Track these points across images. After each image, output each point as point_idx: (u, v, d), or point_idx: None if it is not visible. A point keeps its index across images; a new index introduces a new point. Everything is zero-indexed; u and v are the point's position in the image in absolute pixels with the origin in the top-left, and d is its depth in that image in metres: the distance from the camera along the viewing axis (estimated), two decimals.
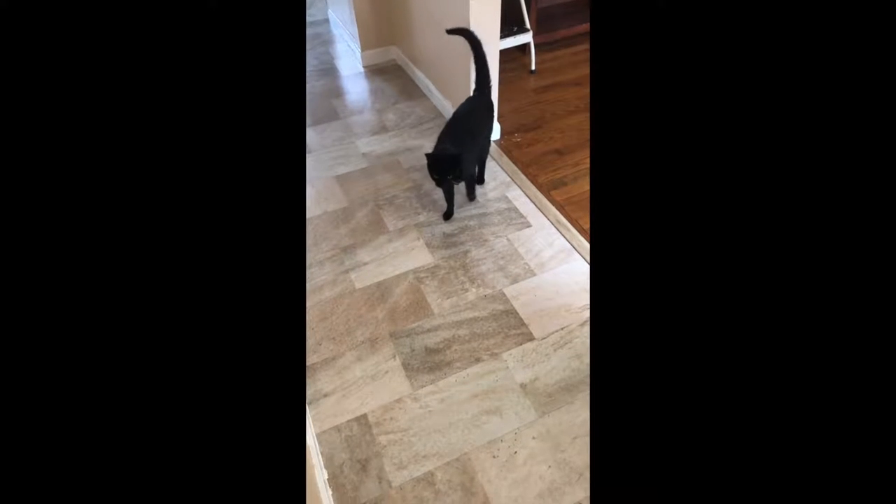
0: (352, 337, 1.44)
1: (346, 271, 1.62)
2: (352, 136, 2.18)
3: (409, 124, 2.22)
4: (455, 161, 1.58)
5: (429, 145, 2.08)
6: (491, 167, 1.96)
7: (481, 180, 1.89)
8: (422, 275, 1.60)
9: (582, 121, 2.17)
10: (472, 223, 1.75)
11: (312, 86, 2.53)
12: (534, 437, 1.21)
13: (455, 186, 1.74)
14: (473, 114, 1.76)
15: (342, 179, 1.96)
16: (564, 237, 1.69)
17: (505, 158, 2.00)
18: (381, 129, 2.21)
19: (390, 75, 2.56)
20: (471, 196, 1.81)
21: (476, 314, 1.48)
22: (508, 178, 1.92)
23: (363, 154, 2.08)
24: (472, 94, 1.83)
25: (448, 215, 1.76)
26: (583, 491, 1.12)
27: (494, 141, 2.09)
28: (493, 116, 1.87)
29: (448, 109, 2.17)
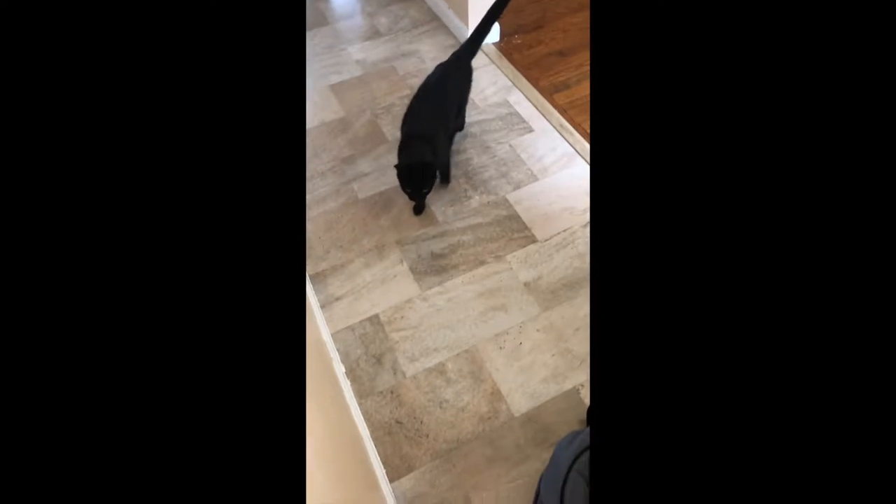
0: (359, 245, 1.47)
1: (348, 182, 1.61)
2: (343, 42, 2.06)
3: (403, 28, 2.10)
4: (430, 171, 1.38)
5: (424, 50, 1.99)
6: (491, 71, 1.89)
7: (461, 126, 1.70)
8: None
9: (584, 19, 2.06)
10: (473, 130, 1.72)
11: None
12: (538, 330, 1.28)
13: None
14: (448, 85, 1.51)
15: (337, 89, 1.89)
16: (567, 141, 1.66)
17: (505, 61, 1.92)
18: (374, 34, 2.09)
19: None
20: (446, 179, 1.57)
21: (480, 220, 1.50)
22: (509, 83, 1.85)
23: (357, 61, 1.98)
24: (449, 57, 1.56)
25: (420, 209, 1.52)
26: (584, 375, 1.21)
27: (493, 44, 1.99)
28: (470, 82, 1.60)
29: (444, 11, 2.05)
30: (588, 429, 0.90)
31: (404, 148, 1.42)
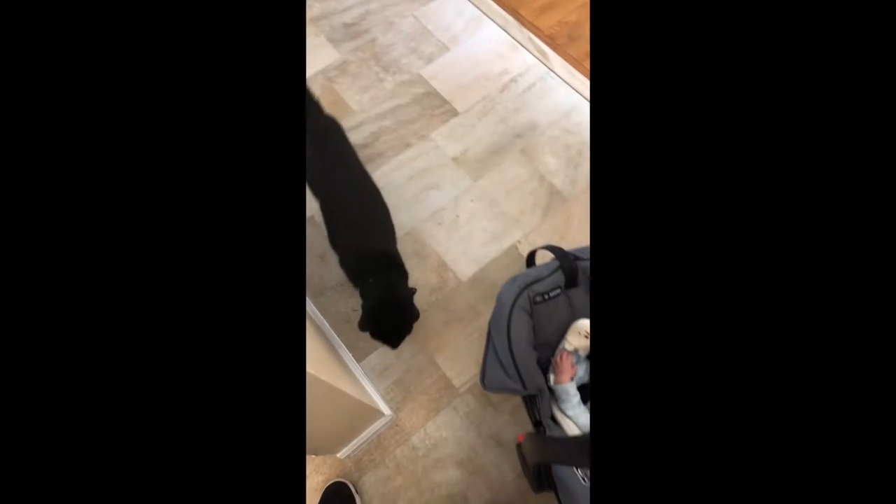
0: None
1: None
2: None
3: None
4: (410, 303, 1.01)
5: None
6: None
7: None
8: (332, 74, 1.49)
9: None
10: (373, 6, 1.59)
11: None
12: (472, 200, 1.32)
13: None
14: (352, 165, 1.10)
15: None
16: (473, 3, 1.58)
17: None
18: None
19: None
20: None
21: (398, 102, 1.45)
22: None
23: None
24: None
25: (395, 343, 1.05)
26: (519, 232, 1.28)
27: None
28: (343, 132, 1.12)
29: None
30: (526, 270, 0.97)
31: (359, 282, 1.02)
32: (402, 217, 1.30)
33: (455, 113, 1.42)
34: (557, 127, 1.39)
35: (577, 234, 1.26)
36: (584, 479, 0.78)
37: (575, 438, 0.56)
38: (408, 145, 1.39)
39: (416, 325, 1.19)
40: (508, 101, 1.43)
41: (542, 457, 0.66)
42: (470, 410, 1.12)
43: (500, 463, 1.07)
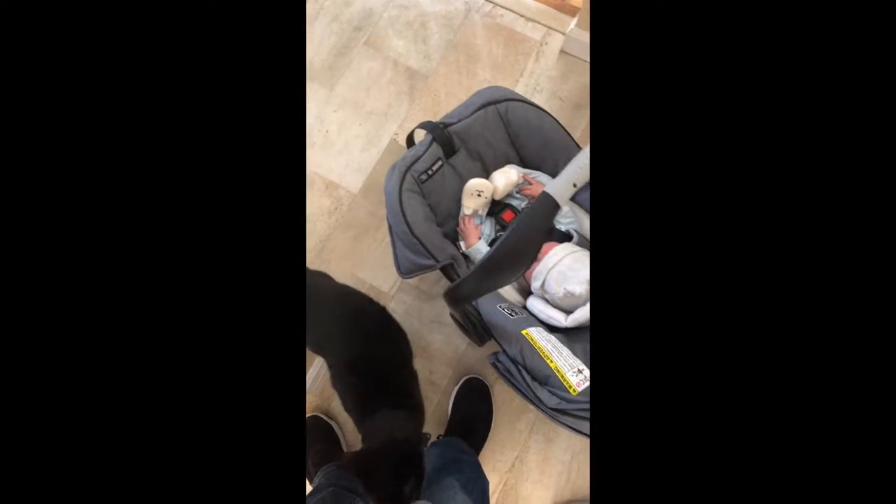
0: None
1: None
2: None
3: None
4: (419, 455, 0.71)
5: None
6: None
7: None
8: None
9: None
10: None
11: None
12: (335, 110, 1.25)
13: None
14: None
15: None
16: None
17: None
18: None
19: None
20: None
21: None
22: None
23: None
24: None
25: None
26: (393, 125, 1.24)
27: None
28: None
29: None
30: (403, 154, 0.96)
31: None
32: None
33: None
34: (393, 6, 1.31)
35: (448, 108, 1.25)
36: (510, 315, 0.85)
37: (474, 268, 0.59)
38: None
39: (325, 252, 1.17)
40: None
41: (458, 298, 0.70)
42: (407, 307, 1.15)
43: (449, 340, 1.13)
